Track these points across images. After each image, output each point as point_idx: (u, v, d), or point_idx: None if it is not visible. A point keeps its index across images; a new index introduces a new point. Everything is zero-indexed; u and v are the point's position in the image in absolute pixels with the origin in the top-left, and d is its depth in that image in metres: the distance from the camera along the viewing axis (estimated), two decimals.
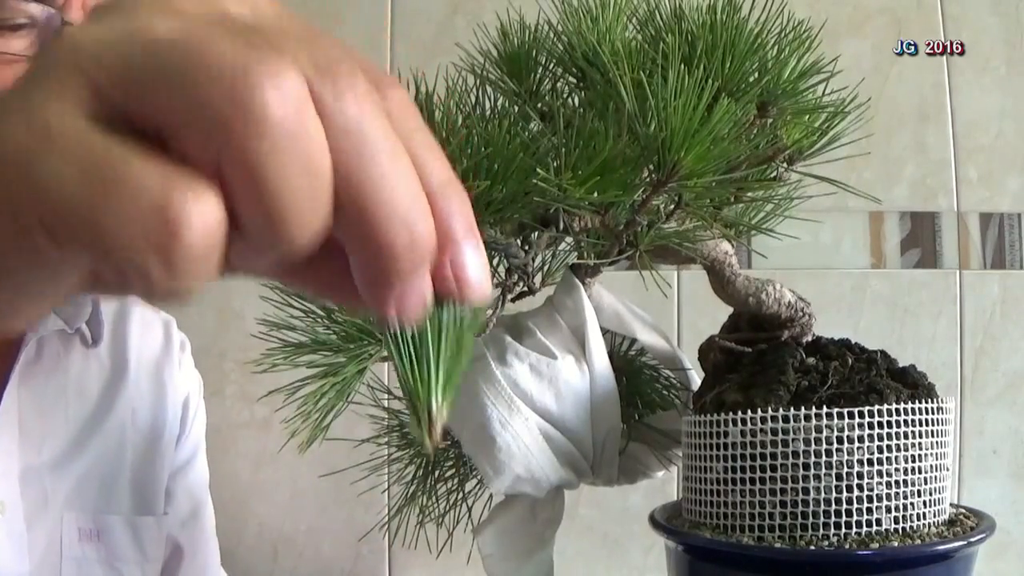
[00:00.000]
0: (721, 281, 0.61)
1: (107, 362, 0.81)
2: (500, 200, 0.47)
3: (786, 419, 0.54)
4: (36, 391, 0.74)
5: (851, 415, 0.53)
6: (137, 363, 0.83)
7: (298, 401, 0.60)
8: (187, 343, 0.90)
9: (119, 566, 0.79)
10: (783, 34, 0.56)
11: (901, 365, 0.60)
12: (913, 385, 0.57)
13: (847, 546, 0.53)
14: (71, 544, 0.75)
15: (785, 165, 0.59)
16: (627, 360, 0.67)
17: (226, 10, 0.25)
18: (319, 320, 0.58)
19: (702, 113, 0.48)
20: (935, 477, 0.55)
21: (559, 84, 0.58)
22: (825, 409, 0.54)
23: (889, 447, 0.53)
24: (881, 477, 0.53)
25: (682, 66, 0.49)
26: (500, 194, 0.46)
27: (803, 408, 0.54)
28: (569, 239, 0.56)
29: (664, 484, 0.98)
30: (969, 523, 0.57)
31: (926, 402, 0.55)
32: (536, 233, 0.54)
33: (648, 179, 0.51)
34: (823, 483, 0.53)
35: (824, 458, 0.53)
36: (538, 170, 0.46)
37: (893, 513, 0.53)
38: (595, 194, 0.48)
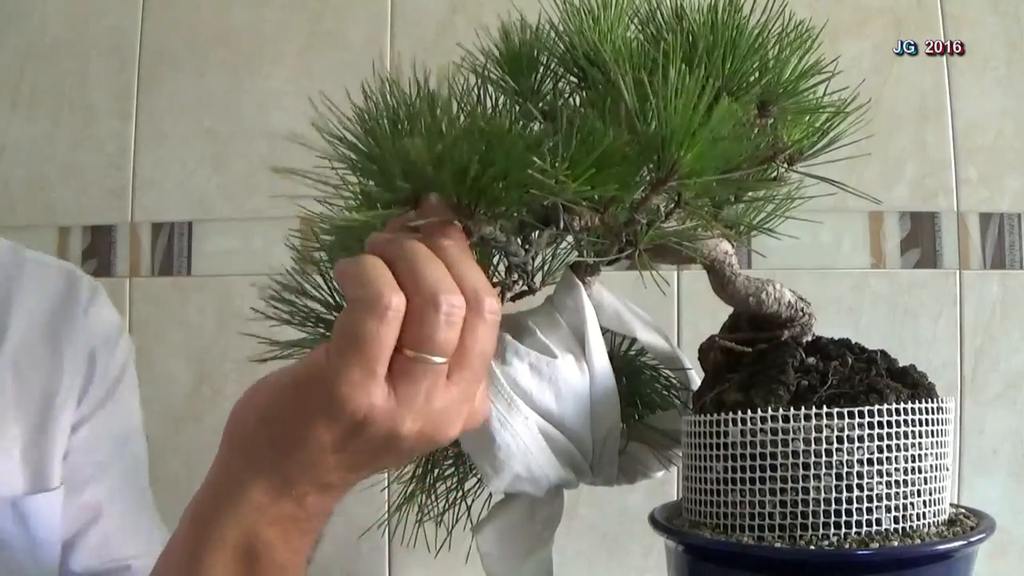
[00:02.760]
0: (721, 281, 0.61)
1: None
2: (498, 191, 0.46)
3: (786, 419, 0.54)
4: None
5: (851, 415, 0.53)
6: (27, 324, 0.75)
7: None
8: (99, 291, 0.83)
9: (3, 556, 0.69)
10: (784, 34, 0.56)
11: (901, 365, 0.59)
12: (913, 385, 0.57)
13: (847, 546, 0.53)
14: None
15: (785, 165, 0.59)
16: (627, 360, 0.67)
17: None
18: (321, 321, 0.58)
19: (703, 112, 0.48)
20: (935, 477, 0.55)
21: (560, 84, 0.58)
22: (825, 409, 0.54)
23: (889, 447, 0.53)
24: (881, 477, 0.53)
25: (683, 65, 0.49)
26: (498, 187, 0.46)
27: (803, 408, 0.54)
28: (569, 238, 0.56)
29: (664, 484, 0.98)
30: (969, 523, 0.57)
31: (926, 402, 0.55)
32: (536, 232, 0.54)
33: (648, 178, 0.51)
34: (823, 483, 0.53)
35: (824, 458, 0.53)
36: (535, 159, 0.46)
37: (893, 513, 0.53)
38: (592, 187, 0.48)
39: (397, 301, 0.44)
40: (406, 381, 0.46)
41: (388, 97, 0.50)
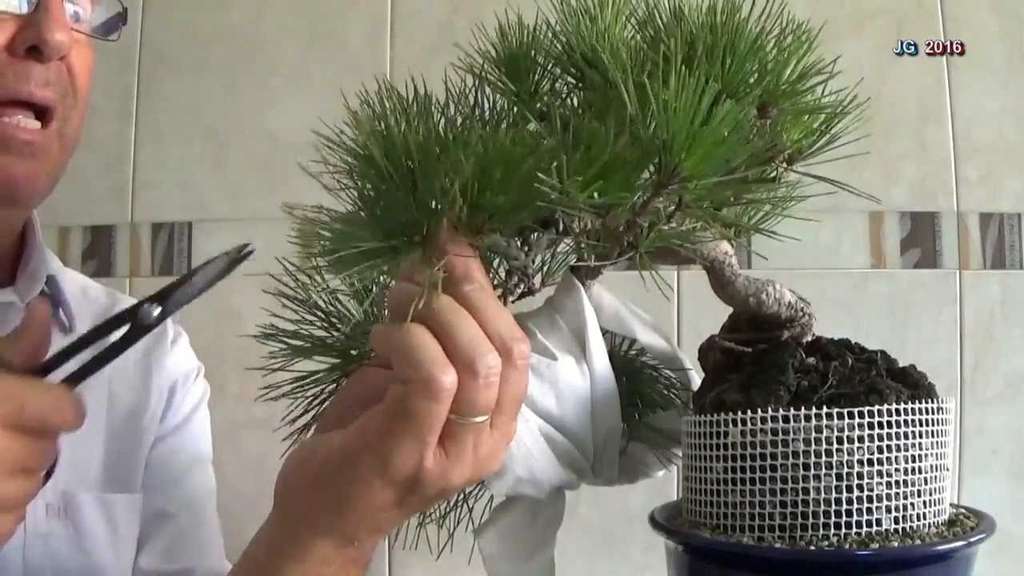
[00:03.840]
0: (721, 281, 0.61)
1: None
2: (505, 209, 0.47)
3: (786, 419, 0.54)
4: None
5: (851, 415, 0.53)
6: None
7: (299, 404, 0.60)
8: (182, 335, 0.95)
9: (87, 546, 0.78)
10: (783, 35, 0.56)
11: (901, 365, 0.59)
12: (913, 385, 0.57)
13: (847, 546, 0.53)
14: (36, 520, 0.75)
15: (784, 165, 0.59)
16: (627, 360, 0.67)
17: None
18: (324, 324, 0.58)
19: (703, 115, 0.48)
20: (935, 477, 0.55)
21: (557, 84, 0.58)
22: (825, 409, 0.54)
23: (889, 447, 0.53)
24: (881, 477, 0.53)
25: (683, 68, 0.49)
26: (505, 204, 0.46)
27: (803, 408, 0.54)
28: (568, 239, 0.56)
29: (664, 484, 0.98)
30: (969, 523, 0.57)
31: (926, 402, 0.55)
32: (535, 234, 0.54)
33: (649, 181, 0.51)
34: (823, 483, 0.53)
35: (824, 458, 0.53)
36: (542, 175, 0.46)
37: (893, 513, 0.53)
38: (597, 195, 0.48)
39: (450, 380, 0.46)
40: (453, 441, 0.49)
41: (395, 118, 0.50)
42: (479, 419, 0.48)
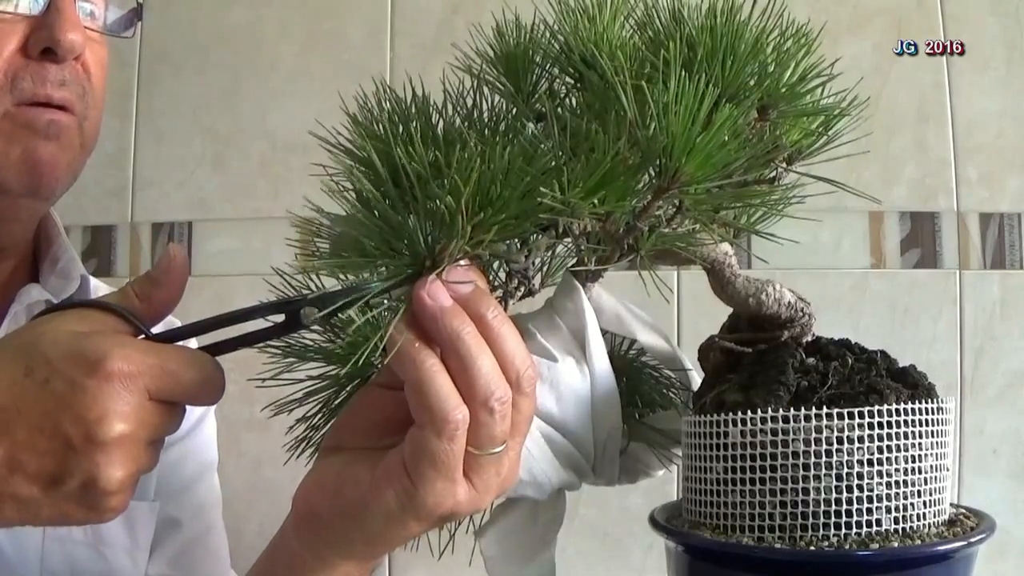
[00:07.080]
0: (721, 282, 0.61)
1: None
2: (507, 223, 0.47)
3: (786, 419, 0.54)
4: None
5: (851, 415, 0.53)
6: None
7: (298, 412, 0.60)
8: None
9: (106, 551, 0.78)
10: (783, 37, 0.56)
11: (901, 365, 0.59)
12: (913, 385, 0.57)
13: (847, 546, 0.53)
14: None
15: (784, 165, 0.59)
16: (627, 360, 0.67)
17: None
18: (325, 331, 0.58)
19: (703, 120, 0.48)
20: (935, 477, 0.55)
21: (555, 85, 0.58)
22: (825, 409, 0.54)
23: (889, 447, 0.53)
24: (881, 477, 0.53)
25: (683, 72, 0.49)
26: (507, 219, 0.46)
27: (803, 408, 0.54)
28: (568, 240, 0.56)
29: (664, 484, 0.98)
30: (969, 523, 0.57)
31: (926, 402, 0.55)
32: (535, 236, 0.54)
33: (648, 185, 0.51)
34: (823, 483, 0.53)
35: (824, 458, 0.53)
36: (543, 189, 0.46)
37: (893, 513, 0.53)
38: (597, 203, 0.48)
39: (462, 416, 0.47)
40: (478, 474, 0.50)
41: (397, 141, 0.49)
42: (498, 450, 0.49)
